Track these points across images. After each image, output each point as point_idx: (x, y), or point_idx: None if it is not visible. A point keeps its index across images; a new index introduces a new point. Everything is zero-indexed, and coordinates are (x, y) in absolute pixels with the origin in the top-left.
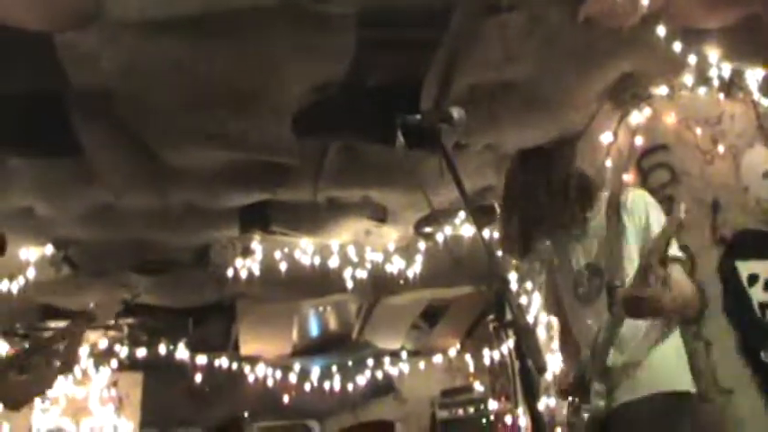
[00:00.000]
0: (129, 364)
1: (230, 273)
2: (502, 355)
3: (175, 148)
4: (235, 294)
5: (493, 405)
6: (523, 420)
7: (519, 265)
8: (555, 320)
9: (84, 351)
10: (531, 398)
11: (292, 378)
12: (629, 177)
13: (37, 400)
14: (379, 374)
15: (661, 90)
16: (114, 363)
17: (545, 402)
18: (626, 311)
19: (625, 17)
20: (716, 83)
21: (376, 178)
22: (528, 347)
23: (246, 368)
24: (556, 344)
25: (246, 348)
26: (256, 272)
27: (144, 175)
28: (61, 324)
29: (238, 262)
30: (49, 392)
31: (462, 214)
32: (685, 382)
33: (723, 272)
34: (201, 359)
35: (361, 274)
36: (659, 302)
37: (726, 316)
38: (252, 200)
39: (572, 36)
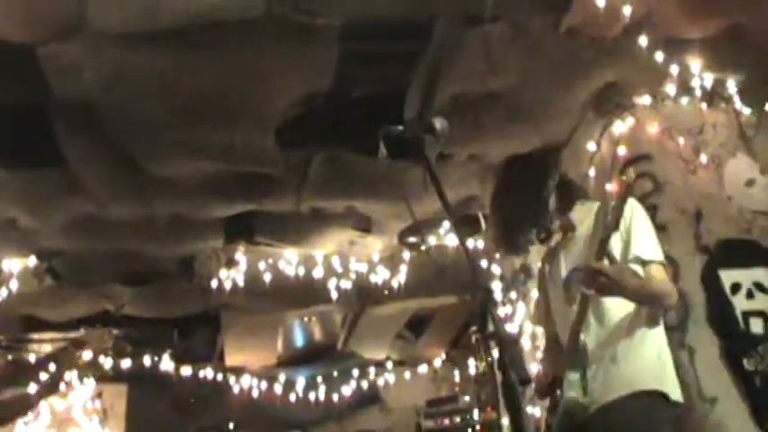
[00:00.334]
0: (114, 376)
1: (215, 284)
2: (486, 365)
3: (159, 160)
4: (219, 305)
5: (478, 415)
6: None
7: (503, 275)
8: (540, 330)
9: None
10: (514, 409)
11: (277, 389)
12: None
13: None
14: (365, 385)
15: (644, 100)
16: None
17: (530, 413)
18: (583, 283)
19: (607, 27)
20: (698, 92)
21: (360, 189)
22: (510, 359)
23: (231, 379)
24: (540, 353)
25: (231, 359)
26: (241, 283)
27: (128, 186)
28: (45, 336)
29: (223, 273)
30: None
31: (447, 224)
32: (667, 386)
33: (706, 281)
34: (186, 370)
35: (346, 284)
36: (620, 281)
37: (709, 324)
38: (236, 211)
39: (555, 46)
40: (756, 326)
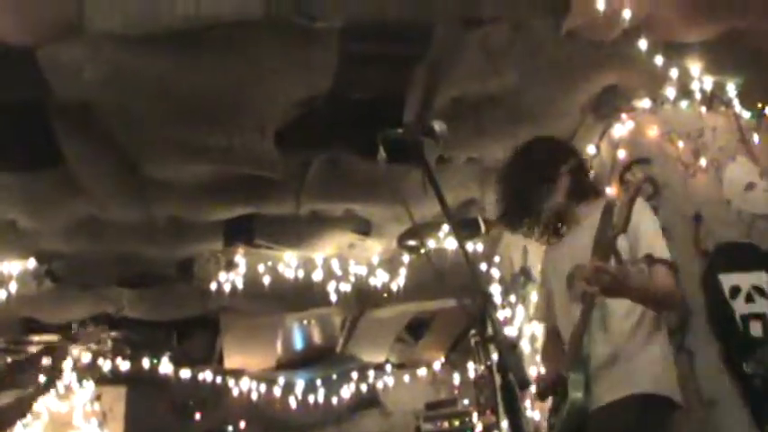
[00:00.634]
0: (113, 378)
1: (214, 286)
2: (486, 369)
3: (158, 161)
4: (219, 308)
5: (477, 419)
6: None
7: (503, 278)
8: (541, 328)
9: (67, 365)
10: (513, 413)
11: (276, 392)
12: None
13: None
14: (364, 388)
15: (643, 103)
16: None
17: (529, 416)
18: (586, 281)
19: (607, 30)
20: (698, 96)
21: (359, 192)
22: (509, 362)
23: (231, 382)
24: (539, 357)
25: (230, 362)
26: (240, 285)
27: (127, 188)
28: (45, 338)
29: (222, 275)
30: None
31: (446, 227)
32: (667, 389)
33: (705, 284)
34: (185, 373)
35: (345, 287)
36: (624, 281)
37: (708, 328)
38: (235, 213)
39: (555, 49)
40: (756, 329)
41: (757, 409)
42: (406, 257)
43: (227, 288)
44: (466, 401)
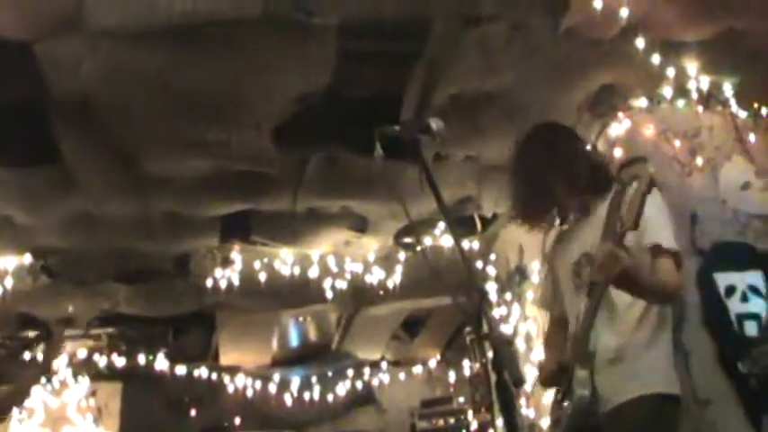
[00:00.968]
0: (109, 374)
1: (210, 282)
2: (481, 367)
3: (155, 157)
4: (215, 304)
5: (472, 416)
6: None
7: (499, 276)
8: (540, 318)
9: (62, 360)
10: (508, 410)
11: (272, 388)
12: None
13: (14, 410)
14: (359, 385)
15: (640, 102)
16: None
17: (524, 414)
18: (599, 269)
19: (605, 29)
20: (694, 95)
21: (356, 189)
22: (504, 360)
23: (226, 378)
24: (534, 355)
25: (226, 358)
26: (236, 282)
27: (124, 184)
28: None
29: (218, 272)
30: (27, 402)
31: (442, 225)
32: (677, 387)
33: (701, 283)
34: (181, 369)
35: (341, 284)
36: (635, 273)
37: (704, 327)
38: (232, 209)
39: (552, 47)
40: (751, 328)
41: (752, 408)
42: (402, 255)
43: (223, 284)
44: (461, 399)
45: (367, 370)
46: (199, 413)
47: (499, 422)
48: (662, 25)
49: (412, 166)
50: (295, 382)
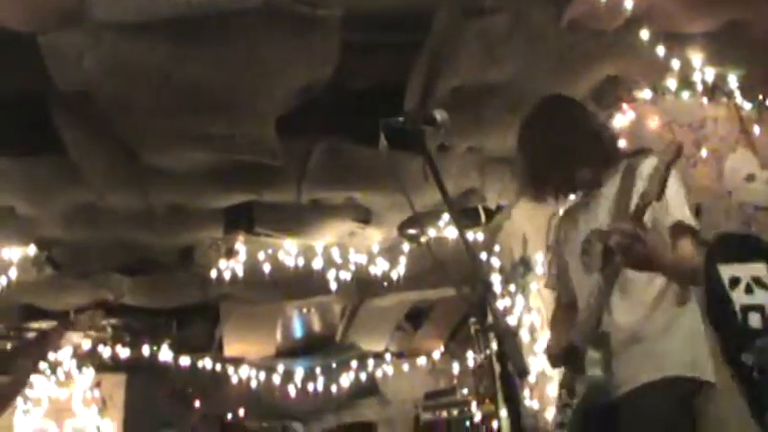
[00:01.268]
0: (113, 365)
1: (214, 274)
2: (485, 358)
3: (158, 149)
4: (219, 295)
5: (476, 408)
6: (505, 423)
7: (503, 267)
8: (543, 309)
9: (67, 352)
10: (512, 401)
11: (276, 379)
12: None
13: (19, 400)
14: (363, 376)
15: (645, 94)
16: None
17: (528, 405)
18: (619, 250)
19: (609, 20)
20: (699, 87)
21: (360, 180)
22: (509, 351)
23: (230, 369)
24: (538, 346)
25: (230, 350)
26: (240, 273)
27: (127, 176)
28: (44, 325)
29: (222, 263)
30: (31, 393)
31: (446, 216)
32: (698, 370)
33: (705, 275)
34: (185, 360)
35: (345, 275)
36: (656, 252)
37: (707, 318)
38: (236, 201)
39: (556, 39)
40: (754, 320)
41: (755, 399)
42: (406, 246)
43: (227, 276)
44: (465, 390)
45: (371, 361)
46: (203, 404)
47: (503, 413)
48: (666, 16)
49: (416, 157)
50: (299, 373)
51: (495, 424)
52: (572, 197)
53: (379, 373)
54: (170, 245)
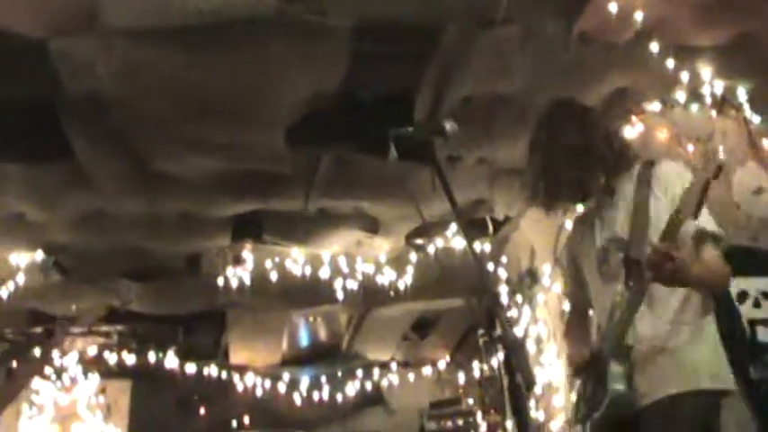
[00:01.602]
0: (118, 372)
1: (221, 282)
2: (491, 368)
3: (168, 156)
4: (225, 303)
5: (481, 418)
6: None
7: (510, 278)
8: (550, 321)
9: (72, 357)
10: (519, 412)
11: (281, 388)
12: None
13: (24, 406)
14: (369, 385)
15: (654, 106)
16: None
17: (534, 417)
18: (649, 268)
19: (619, 33)
20: (708, 100)
21: (368, 190)
22: (517, 362)
23: (236, 377)
24: (545, 357)
25: (236, 357)
26: (247, 281)
27: (136, 182)
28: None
29: (229, 271)
30: (36, 399)
31: (454, 226)
32: (725, 382)
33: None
34: (191, 367)
35: (352, 284)
36: (685, 269)
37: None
38: (244, 209)
39: (566, 51)
40: (763, 334)
41: (762, 413)
42: (413, 256)
43: (234, 284)
44: (470, 401)
45: (376, 370)
46: (208, 412)
47: (509, 424)
48: (676, 29)
49: (425, 167)
50: (304, 381)
51: None
52: (580, 207)
53: (384, 383)
54: (178, 252)
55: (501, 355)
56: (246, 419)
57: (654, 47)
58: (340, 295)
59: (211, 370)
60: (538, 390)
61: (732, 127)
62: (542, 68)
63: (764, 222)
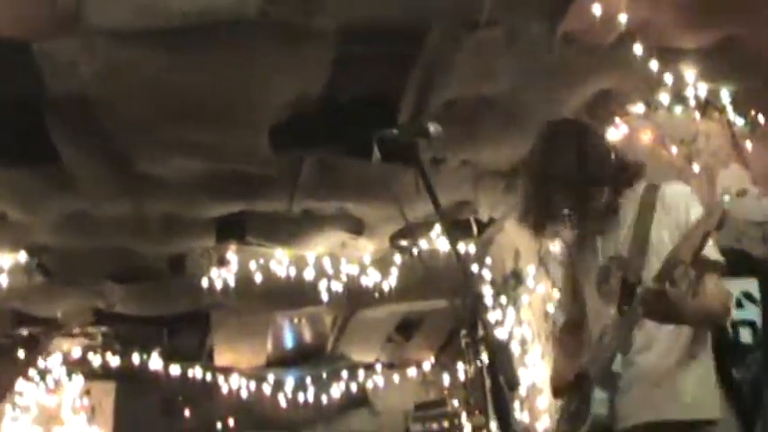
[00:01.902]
0: (102, 373)
1: (205, 283)
2: (475, 370)
3: (152, 158)
4: (210, 305)
5: (466, 419)
6: None
7: (494, 280)
8: (534, 323)
9: (56, 359)
10: (502, 414)
11: (266, 389)
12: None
13: (8, 407)
14: (354, 387)
15: (637, 108)
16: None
17: (518, 418)
18: (642, 307)
19: (603, 35)
20: (692, 102)
21: (352, 191)
22: (500, 363)
23: (220, 379)
24: (529, 358)
25: (221, 359)
26: (232, 282)
27: (120, 184)
28: (34, 332)
29: (214, 272)
30: (20, 400)
31: (438, 228)
32: (713, 411)
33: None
34: (175, 369)
35: (337, 286)
36: (680, 307)
37: None
38: (228, 210)
39: (550, 53)
40: (745, 336)
41: (744, 411)
42: (397, 257)
43: (218, 285)
44: (455, 402)
45: (361, 372)
46: (192, 413)
47: (493, 425)
48: (660, 32)
49: (409, 169)
50: (289, 383)
51: None
52: (567, 233)
53: (369, 384)
54: (162, 253)
55: (484, 357)
56: (231, 421)
57: (638, 49)
58: (324, 297)
59: (196, 372)
60: (522, 391)
61: (716, 129)
62: (526, 70)
63: (747, 224)
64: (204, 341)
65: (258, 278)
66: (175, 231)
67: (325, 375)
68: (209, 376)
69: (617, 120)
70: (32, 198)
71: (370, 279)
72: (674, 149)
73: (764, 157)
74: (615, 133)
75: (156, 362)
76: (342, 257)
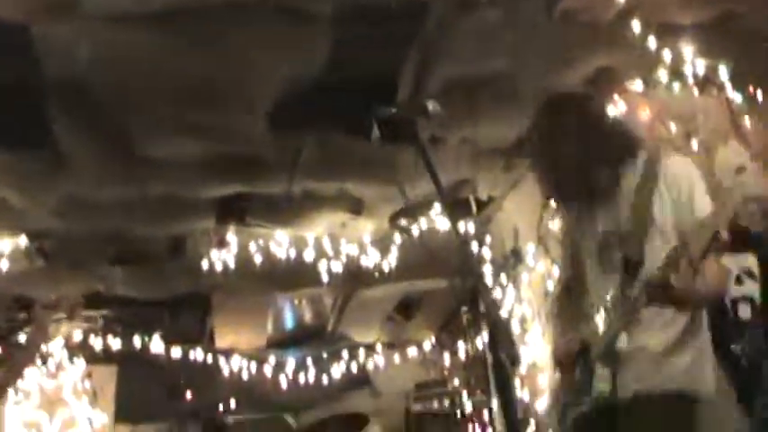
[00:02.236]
0: (104, 357)
1: (205, 264)
2: (476, 348)
3: (150, 140)
4: (210, 286)
5: (467, 398)
6: (497, 414)
7: (494, 259)
8: (535, 301)
9: (58, 343)
10: (504, 391)
11: (267, 370)
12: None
13: (10, 391)
14: (354, 367)
15: (636, 85)
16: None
17: (518, 395)
18: (648, 297)
19: (601, 12)
20: (690, 79)
21: (352, 171)
22: (501, 340)
23: (221, 360)
24: (529, 336)
25: (221, 341)
26: (231, 264)
27: (119, 167)
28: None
29: (214, 254)
30: (22, 384)
31: (438, 207)
32: (707, 385)
33: None
34: (176, 351)
35: (337, 266)
36: (686, 294)
37: None
38: (228, 191)
39: (548, 30)
40: (744, 311)
41: (743, 385)
42: (397, 237)
43: (218, 266)
44: (456, 382)
45: (362, 352)
46: (194, 395)
47: (494, 404)
48: (658, 7)
49: (408, 148)
50: (290, 364)
51: (485, 414)
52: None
53: (370, 365)
54: (161, 235)
55: (485, 334)
56: (233, 402)
57: (636, 25)
58: (325, 277)
59: (197, 354)
60: (522, 369)
61: (714, 106)
62: (524, 48)
63: (746, 201)
64: (205, 323)
65: (258, 259)
66: (174, 213)
67: (325, 356)
68: (210, 358)
69: (615, 97)
70: (31, 182)
71: (371, 259)
72: (673, 126)
73: (763, 133)
74: (614, 110)
75: (157, 344)
76: (342, 238)
